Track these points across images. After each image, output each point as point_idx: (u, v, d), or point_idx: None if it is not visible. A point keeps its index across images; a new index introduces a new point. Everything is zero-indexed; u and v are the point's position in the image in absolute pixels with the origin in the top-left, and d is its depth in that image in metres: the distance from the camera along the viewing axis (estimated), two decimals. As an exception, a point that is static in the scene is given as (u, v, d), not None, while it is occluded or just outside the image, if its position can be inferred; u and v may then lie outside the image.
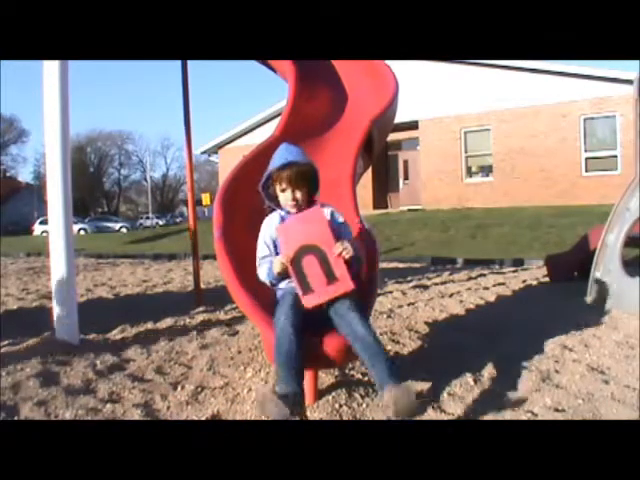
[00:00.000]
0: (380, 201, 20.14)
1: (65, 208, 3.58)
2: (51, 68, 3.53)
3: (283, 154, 2.51)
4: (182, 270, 8.73)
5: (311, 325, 2.27)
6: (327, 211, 2.50)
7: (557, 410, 2.37)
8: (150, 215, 46.87)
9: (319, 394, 2.52)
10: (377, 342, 2.24)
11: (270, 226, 2.54)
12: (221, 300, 4.82)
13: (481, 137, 18.08)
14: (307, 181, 2.49)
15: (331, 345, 2.30)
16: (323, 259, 2.28)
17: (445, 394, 2.59)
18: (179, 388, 2.79)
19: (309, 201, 2.53)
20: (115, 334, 3.93)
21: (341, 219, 2.55)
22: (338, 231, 2.44)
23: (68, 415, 2.45)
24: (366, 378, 2.79)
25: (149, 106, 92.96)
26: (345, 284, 2.26)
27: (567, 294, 4.99)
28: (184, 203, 50.74)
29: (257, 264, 2.54)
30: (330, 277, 2.28)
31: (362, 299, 2.42)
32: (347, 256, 2.28)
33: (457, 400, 2.51)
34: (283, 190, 2.48)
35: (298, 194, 2.47)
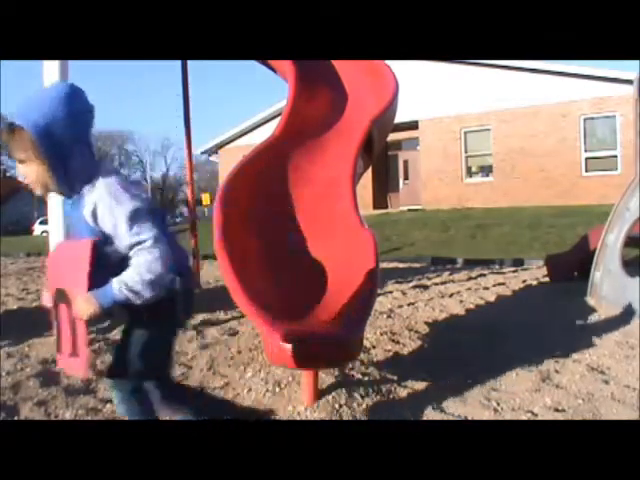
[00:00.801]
0: (380, 201, 20.13)
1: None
2: (51, 68, 3.53)
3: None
4: (182, 270, 8.72)
5: (309, 321, 2.26)
6: (94, 197, 1.61)
7: (557, 410, 2.37)
8: (150, 215, 46.77)
9: (319, 394, 2.52)
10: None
11: None
12: (221, 300, 4.82)
13: (481, 137, 18.07)
14: (31, 150, 1.59)
15: (331, 345, 2.30)
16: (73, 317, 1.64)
17: (445, 394, 2.59)
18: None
19: (66, 176, 1.64)
20: (115, 334, 3.93)
21: (109, 211, 1.59)
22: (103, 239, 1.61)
23: (68, 415, 2.45)
24: (366, 378, 2.79)
25: (149, 106, 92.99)
26: (80, 365, 1.65)
27: (567, 294, 4.99)
28: (184, 203, 50.76)
29: None
30: (73, 346, 1.66)
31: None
32: (82, 318, 1.59)
33: (457, 400, 2.51)
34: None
35: (24, 169, 1.63)
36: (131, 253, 1.59)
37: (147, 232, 1.58)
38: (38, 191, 1.69)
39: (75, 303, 1.59)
